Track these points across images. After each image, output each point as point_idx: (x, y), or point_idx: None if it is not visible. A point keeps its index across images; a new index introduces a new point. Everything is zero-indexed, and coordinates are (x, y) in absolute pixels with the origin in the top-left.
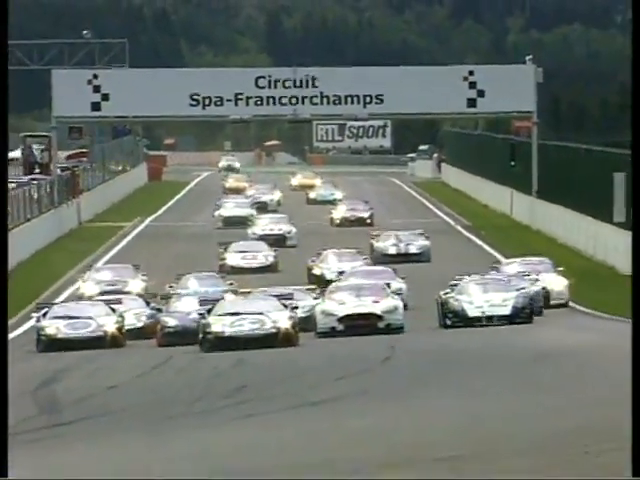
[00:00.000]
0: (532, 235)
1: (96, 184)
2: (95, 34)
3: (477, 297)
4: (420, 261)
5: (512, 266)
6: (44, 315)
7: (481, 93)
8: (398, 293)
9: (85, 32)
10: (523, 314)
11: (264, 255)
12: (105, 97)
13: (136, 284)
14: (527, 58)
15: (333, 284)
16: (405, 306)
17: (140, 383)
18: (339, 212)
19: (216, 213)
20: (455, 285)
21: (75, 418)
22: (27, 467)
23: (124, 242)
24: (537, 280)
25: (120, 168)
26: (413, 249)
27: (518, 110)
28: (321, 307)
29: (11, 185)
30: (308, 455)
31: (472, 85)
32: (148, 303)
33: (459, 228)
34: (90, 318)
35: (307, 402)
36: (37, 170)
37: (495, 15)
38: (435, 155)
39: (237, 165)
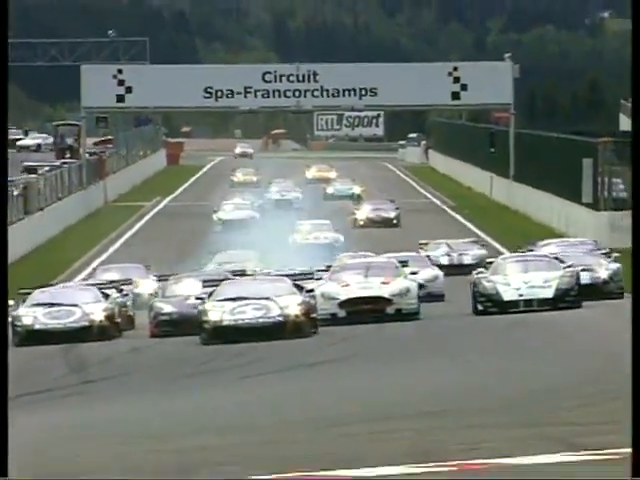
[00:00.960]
0: (510, 214)
1: (120, 168)
2: (119, 33)
3: (514, 277)
4: None
5: (549, 247)
6: (23, 302)
7: (464, 87)
8: (429, 281)
9: (110, 32)
10: (569, 297)
11: (254, 266)
12: (128, 90)
13: (148, 285)
14: (505, 56)
15: (338, 261)
16: (442, 296)
17: (159, 347)
18: (363, 212)
19: (215, 217)
20: (490, 263)
21: (99, 377)
22: (30, 427)
23: (144, 220)
24: (616, 256)
25: (141, 153)
26: (468, 259)
27: (497, 102)
28: (321, 289)
29: (45, 168)
30: (304, 411)
31: (456, 80)
32: (107, 296)
33: (445, 208)
34: (75, 305)
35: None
36: (68, 155)
37: (477, 17)
38: (423, 142)
39: (251, 151)
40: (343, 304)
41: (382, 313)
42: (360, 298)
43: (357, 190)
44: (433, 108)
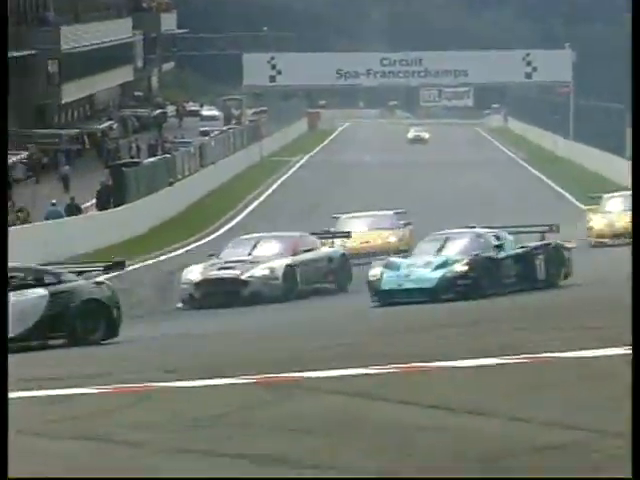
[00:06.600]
0: (567, 164)
1: (272, 132)
2: (272, 29)
3: None
4: None
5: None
6: None
7: (535, 69)
8: None
9: (265, 28)
10: None
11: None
12: (279, 72)
13: None
14: (566, 45)
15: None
16: None
17: None
18: None
19: None
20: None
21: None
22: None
23: (291, 171)
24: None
25: (288, 121)
26: None
27: (560, 80)
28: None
29: (215, 132)
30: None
31: (529, 63)
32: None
33: (520, 160)
34: None
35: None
36: (233, 122)
37: (545, 15)
38: (503, 111)
39: (427, 136)
40: None
41: None
42: None
43: None
44: (511, 84)
